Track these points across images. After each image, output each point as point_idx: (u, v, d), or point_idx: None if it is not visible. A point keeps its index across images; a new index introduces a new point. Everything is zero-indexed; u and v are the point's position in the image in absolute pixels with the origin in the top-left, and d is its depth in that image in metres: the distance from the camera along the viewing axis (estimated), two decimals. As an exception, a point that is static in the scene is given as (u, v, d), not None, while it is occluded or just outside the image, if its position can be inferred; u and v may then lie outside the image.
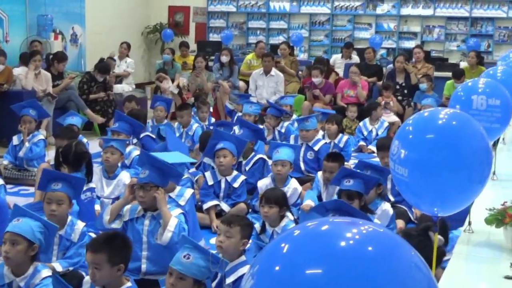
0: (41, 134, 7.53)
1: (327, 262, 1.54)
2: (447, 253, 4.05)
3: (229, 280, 3.96)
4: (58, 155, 5.69)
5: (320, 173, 6.30)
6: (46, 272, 3.85)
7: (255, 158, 7.00)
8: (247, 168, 6.88)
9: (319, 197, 6.12)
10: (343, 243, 1.58)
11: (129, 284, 3.71)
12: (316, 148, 7.35)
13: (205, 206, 6.07)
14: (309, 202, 5.88)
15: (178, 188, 5.29)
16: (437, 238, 3.89)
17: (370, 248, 1.57)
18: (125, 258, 3.68)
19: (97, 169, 6.10)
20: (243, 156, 6.92)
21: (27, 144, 7.40)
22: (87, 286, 3.80)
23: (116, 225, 4.59)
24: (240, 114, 9.12)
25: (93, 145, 8.11)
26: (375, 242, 1.60)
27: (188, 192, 5.29)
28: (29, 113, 7.45)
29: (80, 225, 4.55)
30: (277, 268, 1.57)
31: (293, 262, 1.57)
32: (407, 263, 1.61)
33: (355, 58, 12.94)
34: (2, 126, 7.82)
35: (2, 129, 8.23)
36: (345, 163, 7.39)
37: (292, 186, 6.16)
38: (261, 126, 8.24)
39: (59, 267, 4.29)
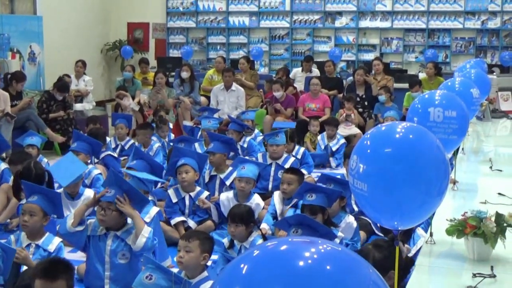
0: (2, 163, 7.25)
1: (286, 282, 1.54)
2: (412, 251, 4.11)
3: (192, 298, 3.93)
4: (16, 180, 5.57)
5: (276, 193, 6.28)
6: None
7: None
8: (227, 183, 6.81)
9: (276, 218, 6.09)
10: (301, 263, 1.59)
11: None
12: (287, 166, 7.31)
13: (172, 222, 6.03)
14: (264, 226, 5.87)
15: None
16: (405, 248, 3.93)
17: (328, 267, 1.59)
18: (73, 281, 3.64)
19: (60, 190, 6.02)
20: (217, 169, 6.92)
21: None
22: None
23: (79, 228, 4.54)
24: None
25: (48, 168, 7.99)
26: (334, 261, 1.62)
27: (154, 210, 5.25)
28: None
29: (57, 239, 4.60)
30: (236, 288, 1.57)
31: (253, 282, 1.57)
32: (366, 280, 1.61)
33: (315, 71, 13.02)
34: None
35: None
36: (308, 175, 7.45)
37: (255, 202, 6.15)
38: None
39: None
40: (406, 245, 4.06)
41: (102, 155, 7.67)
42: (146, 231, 4.42)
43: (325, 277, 1.56)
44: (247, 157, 8.36)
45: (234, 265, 1.67)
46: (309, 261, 1.59)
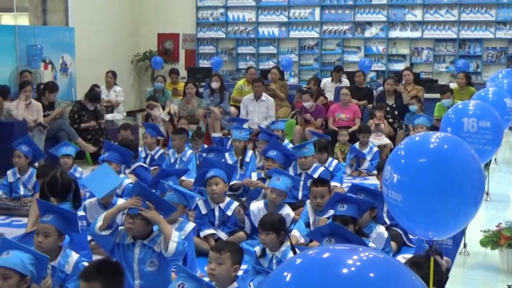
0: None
1: (330, 289, 1.55)
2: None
3: (222, 307, 3.94)
4: (43, 189, 5.61)
5: (309, 202, 6.27)
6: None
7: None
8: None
9: (308, 226, 6.08)
10: (345, 270, 1.59)
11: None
12: (315, 175, 7.30)
13: (202, 234, 6.03)
14: (295, 233, 5.86)
15: (180, 220, 5.26)
16: (444, 261, 3.88)
17: (372, 274, 1.59)
18: (118, 285, 3.65)
19: (93, 200, 6.08)
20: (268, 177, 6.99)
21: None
22: None
23: (106, 232, 4.55)
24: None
25: (86, 174, 8.06)
26: (377, 268, 1.62)
27: (189, 226, 5.25)
28: (21, 148, 7.41)
29: (74, 256, 4.50)
30: (281, 296, 1.58)
31: (297, 291, 1.57)
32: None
33: (345, 82, 13.00)
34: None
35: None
36: (338, 186, 7.43)
37: (285, 212, 6.13)
38: (251, 152, 8.26)
39: None
40: (445, 258, 4.00)
41: (134, 166, 7.72)
42: (175, 236, 4.42)
43: (369, 285, 1.56)
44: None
45: (277, 274, 1.68)
46: (353, 268, 1.60)
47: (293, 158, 7.52)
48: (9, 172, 7.52)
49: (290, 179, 6.32)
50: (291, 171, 7.39)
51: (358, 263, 1.62)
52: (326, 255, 1.67)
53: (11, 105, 9.61)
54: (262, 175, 7.23)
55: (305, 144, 7.59)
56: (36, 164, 7.83)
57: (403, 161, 2.90)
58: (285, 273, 1.64)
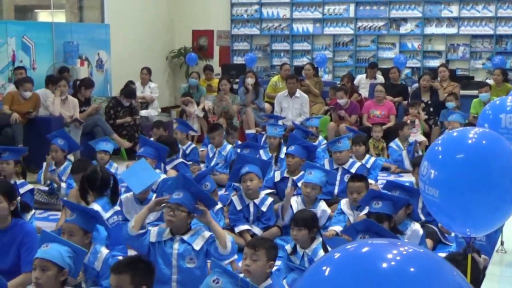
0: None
1: (370, 284, 1.53)
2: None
3: (255, 304, 3.94)
4: (83, 183, 5.66)
5: (343, 201, 6.25)
6: (76, 297, 3.87)
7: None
8: (299, 184, 6.81)
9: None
10: (384, 265, 1.57)
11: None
12: (353, 170, 7.27)
13: (236, 230, 6.05)
14: (337, 228, 5.86)
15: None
16: (482, 259, 3.84)
17: (412, 269, 1.57)
18: (148, 281, 3.68)
19: (129, 195, 6.12)
20: (292, 172, 6.98)
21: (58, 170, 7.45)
22: None
23: (141, 231, 4.57)
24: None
25: (122, 170, 8.13)
26: (417, 263, 1.60)
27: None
28: (57, 142, 7.49)
29: (103, 252, 4.54)
30: (319, 291, 1.57)
31: (335, 285, 1.57)
32: (451, 283, 1.59)
33: (380, 78, 12.92)
34: (31, 153, 7.88)
35: (31, 155, 8.30)
36: (373, 183, 7.39)
37: (321, 208, 6.13)
38: (285, 148, 8.26)
39: None
40: (483, 256, 3.96)
41: (175, 162, 7.79)
42: (228, 236, 4.49)
43: (409, 279, 1.54)
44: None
45: (315, 268, 1.67)
46: (392, 263, 1.58)
47: (314, 149, 7.51)
48: (45, 163, 7.61)
49: (323, 172, 6.30)
50: (327, 166, 7.38)
51: (398, 258, 1.59)
52: (365, 249, 1.65)
53: (47, 101, 9.74)
54: (285, 174, 7.19)
55: (340, 139, 7.55)
56: (72, 157, 7.90)
57: (440, 156, 2.88)
58: (324, 267, 1.63)
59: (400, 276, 1.54)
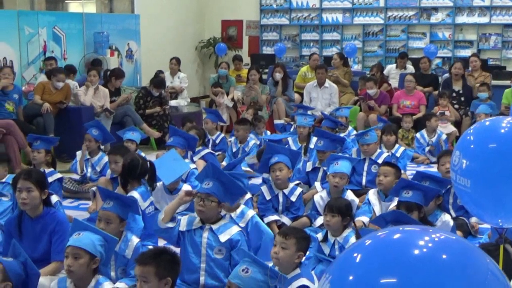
0: (106, 156, 7.45)
1: (402, 270, 1.52)
2: None
3: (284, 292, 3.94)
4: (124, 172, 5.69)
5: (371, 192, 6.23)
6: (108, 285, 3.89)
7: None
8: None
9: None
10: (416, 251, 1.57)
11: (175, 299, 3.73)
12: (380, 161, 7.23)
13: (266, 220, 6.05)
14: (364, 219, 5.83)
15: (241, 208, 5.29)
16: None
17: (444, 256, 1.55)
18: (173, 273, 3.68)
19: (159, 184, 6.15)
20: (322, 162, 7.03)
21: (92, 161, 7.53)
22: None
23: (170, 224, 4.60)
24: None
25: (151, 159, 8.18)
26: (449, 250, 1.58)
27: (250, 213, 5.28)
28: (91, 132, 7.54)
29: (134, 240, 4.56)
30: (350, 277, 1.57)
31: (367, 271, 1.56)
32: (484, 271, 1.58)
33: (410, 68, 12.83)
34: (62, 143, 7.96)
35: (62, 145, 8.38)
36: (402, 173, 7.35)
37: (349, 198, 6.10)
38: (315, 138, 8.23)
39: (124, 286, 4.33)
40: None
41: (203, 152, 7.82)
42: None
43: (442, 266, 1.52)
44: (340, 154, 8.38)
45: (347, 255, 1.66)
46: (424, 250, 1.57)
47: (343, 140, 7.49)
48: (78, 152, 7.67)
49: (349, 161, 6.25)
50: (355, 156, 7.36)
51: (430, 244, 1.58)
52: (396, 236, 1.64)
53: (79, 91, 9.82)
54: (316, 164, 7.18)
55: (367, 131, 7.50)
56: (103, 148, 7.97)
57: (472, 146, 2.85)
58: (355, 254, 1.63)
59: (433, 263, 1.53)
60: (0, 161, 6.34)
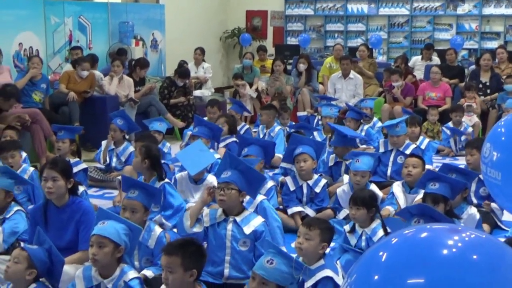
0: (131, 146, 7.52)
1: (430, 271, 1.47)
2: None
3: (307, 284, 3.92)
4: (152, 160, 5.74)
5: (395, 184, 6.17)
6: (133, 274, 3.90)
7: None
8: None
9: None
10: (445, 251, 1.50)
11: (201, 290, 3.72)
12: (407, 152, 7.15)
13: (289, 211, 6.03)
14: (390, 208, 5.79)
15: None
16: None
17: (475, 256, 1.49)
18: (198, 265, 3.67)
19: (183, 174, 6.15)
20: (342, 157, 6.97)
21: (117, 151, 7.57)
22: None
23: (197, 228, 4.58)
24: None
25: (175, 149, 8.22)
26: (480, 250, 1.52)
27: (259, 197, 5.29)
28: (116, 122, 7.55)
29: (157, 231, 4.56)
30: (376, 277, 1.53)
31: (393, 271, 1.51)
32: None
33: (436, 60, 12.71)
34: (86, 132, 7.99)
35: (86, 134, 8.42)
36: (428, 166, 7.28)
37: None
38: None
39: (150, 274, 4.34)
40: None
41: (228, 140, 7.82)
42: None
43: (472, 267, 1.47)
44: (364, 146, 8.33)
45: (372, 253, 1.61)
46: (454, 250, 1.51)
47: (354, 137, 7.46)
48: (103, 142, 7.68)
49: (370, 157, 6.17)
50: (381, 147, 7.31)
51: (459, 244, 1.52)
52: (424, 234, 1.59)
53: (104, 81, 9.85)
54: (338, 159, 7.12)
55: (398, 123, 7.40)
56: (128, 137, 7.99)
57: (503, 138, 2.81)
58: (381, 253, 1.57)
59: (462, 264, 1.47)
60: (15, 147, 6.36)
